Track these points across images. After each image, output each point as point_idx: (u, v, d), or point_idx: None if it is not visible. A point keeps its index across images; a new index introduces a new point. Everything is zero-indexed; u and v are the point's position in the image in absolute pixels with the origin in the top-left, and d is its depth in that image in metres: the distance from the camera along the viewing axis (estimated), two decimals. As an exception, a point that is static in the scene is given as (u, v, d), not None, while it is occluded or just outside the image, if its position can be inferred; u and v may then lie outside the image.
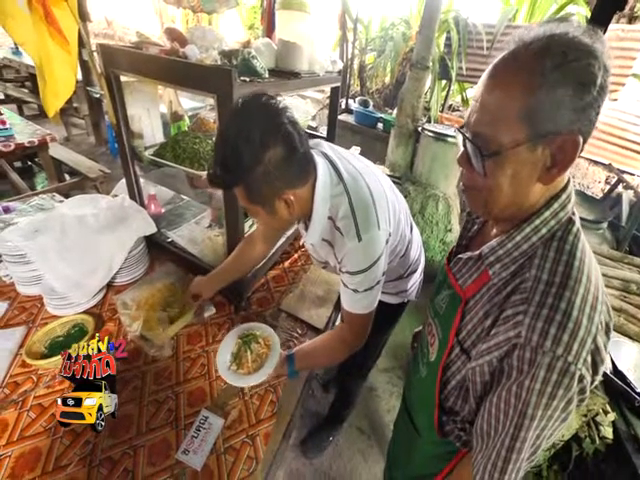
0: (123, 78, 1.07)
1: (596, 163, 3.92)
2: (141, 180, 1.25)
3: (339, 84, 1.73)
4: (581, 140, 0.44)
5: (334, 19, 4.23)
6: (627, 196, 2.67)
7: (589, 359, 0.47)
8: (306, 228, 0.82)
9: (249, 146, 0.62)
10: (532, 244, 0.52)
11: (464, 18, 4.48)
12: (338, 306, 1.35)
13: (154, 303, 1.05)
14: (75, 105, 4.38)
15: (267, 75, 1.05)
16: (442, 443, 0.72)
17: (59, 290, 0.99)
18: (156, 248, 1.30)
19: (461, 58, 4.56)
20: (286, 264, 1.47)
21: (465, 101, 6.19)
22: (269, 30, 1.78)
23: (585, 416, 1.40)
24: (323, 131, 1.95)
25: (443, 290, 0.70)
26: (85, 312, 1.05)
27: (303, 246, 1.59)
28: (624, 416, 1.34)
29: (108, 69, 1.04)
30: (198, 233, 1.34)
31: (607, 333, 0.49)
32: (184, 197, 1.56)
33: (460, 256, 0.65)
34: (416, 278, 1.11)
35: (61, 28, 1.09)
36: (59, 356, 0.87)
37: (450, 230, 2.89)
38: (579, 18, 4.75)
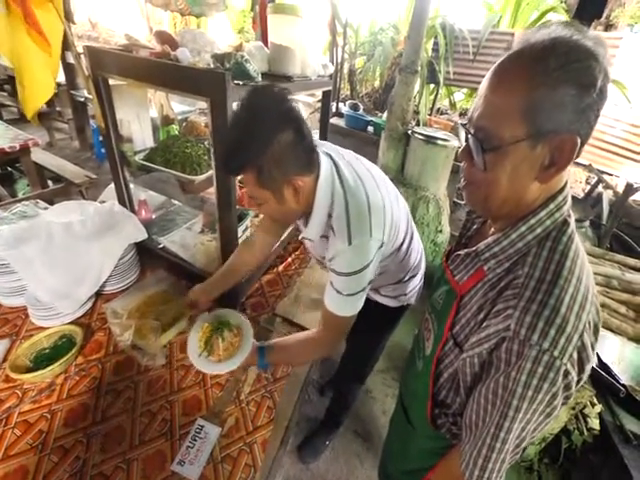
0: (111, 81, 1.04)
1: (577, 164, 4.07)
2: (131, 185, 1.22)
3: (330, 88, 1.74)
4: (579, 141, 0.45)
5: (324, 24, 4.26)
6: (607, 195, 2.77)
7: (575, 355, 0.48)
8: (305, 224, 0.83)
9: (262, 127, 0.64)
10: (527, 242, 0.53)
11: (451, 24, 4.58)
12: None
13: (146, 311, 1.02)
14: (58, 109, 4.27)
15: (260, 79, 1.04)
16: (436, 438, 0.73)
17: (45, 300, 0.96)
18: (147, 255, 1.27)
19: (448, 62, 4.66)
20: (280, 268, 1.46)
21: (453, 105, 6.31)
22: (264, 35, 1.77)
23: (573, 409, 1.45)
24: (315, 135, 1.95)
25: (440, 287, 0.72)
26: (73, 322, 1.02)
27: (297, 249, 1.58)
28: (610, 408, 1.38)
29: (96, 72, 1.01)
30: (190, 238, 1.32)
31: (595, 333, 0.51)
32: (175, 202, 1.53)
33: (458, 253, 0.67)
34: (416, 283, 1.11)
35: (42, 29, 1.06)
36: (45, 369, 0.84)
37: (441, 231, 2.92)
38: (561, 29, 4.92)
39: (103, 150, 3.84)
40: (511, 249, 0.54)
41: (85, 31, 5.54)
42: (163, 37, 1.10)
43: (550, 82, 0.43)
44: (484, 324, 0.55)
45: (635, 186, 2.37)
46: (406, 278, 1.06)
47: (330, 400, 1.65)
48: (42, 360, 0.89)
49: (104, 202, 1.15)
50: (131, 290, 1.08)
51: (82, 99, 3.85)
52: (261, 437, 0.85)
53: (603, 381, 1.40)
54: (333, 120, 3.73)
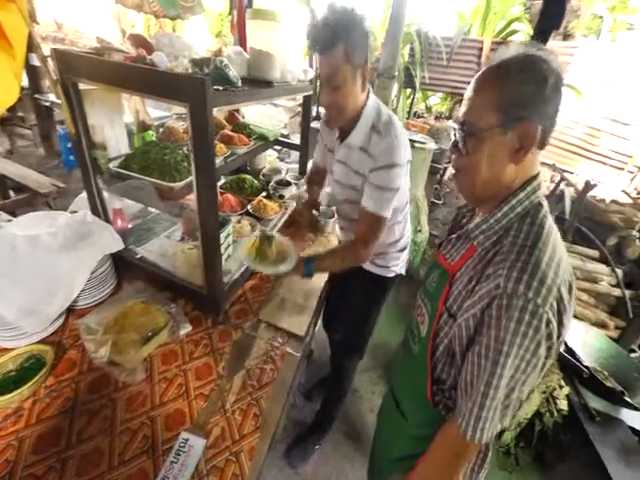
0: (82, 86, 1.00)
1: (542, 163, 4.32)
2: (105, 194, 1.17)
3: (311, 92, 1.74)
4: (539, 128, 0.58)
5: (303, 29, 4.28)
6: (569, 192, 2.94)
7: (555, 305, 0.56)
8: (341, 140, 1.09)
9: (353, 18, 0.90)
10: (509, 219, 0.64)
11: (425, 31, 4.74)
12: (318, 312, 1.38)
13: (124, 324, 0.98)
14: (20, 114, 4.01)
15: (240, 84, 1.03)
16: (426, 425, 0.80)
17: (10, 319, 0.88)
18: (124, 266, 1.21)
19: (424, 68, 4.81)
20: (264, 274, 1.43)
21: (429, 108, 6.50)
22: (242, 40, 1.76)
23: (544, 392, 1.55)
24: (295, 139, 1.95)
25: (433, 273, 0.81)
26: (42, 341, 0.95)
27: None
28: (576, 389, 1.49)
29: (65, 76, 0.96)
30: (170, 247, 1.27)
31: (570, 291, 0.60)
32: (153, 210, 1.47)
33: (450, 237, 0.79)
34: (405, 255, 1.33)
35: (5, 31, 1.00)
36: (12, 394, 0.79)
37: (420, 230, 3.00)
38: (523, 34, 5.22)
39: (72, 157, 3.63)
40: (497, 226, 0.65)
41: (50, 32, 5.25)
42: (138, 41, 1.06)
43: (513, 82, 0.57)
44: (476, 289, 0.63)
45: (592, 183, 2.58)
46: (399, 244, 1.26)
47: (325, 393, 1.70)
48: (8, 384, 0.82)
49: (75, 212, 1.10)
50: (107, 303, 1.04)
51: (48, 103, 3.64)
52: (248, 445, 0.83)
53: (569, 364, 1.52)
54: (314, 124, 3.73)
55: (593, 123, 5.03)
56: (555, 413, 1.57)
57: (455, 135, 0.66)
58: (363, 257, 1.10)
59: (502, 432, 1.73)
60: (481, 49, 4.99)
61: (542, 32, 1.83)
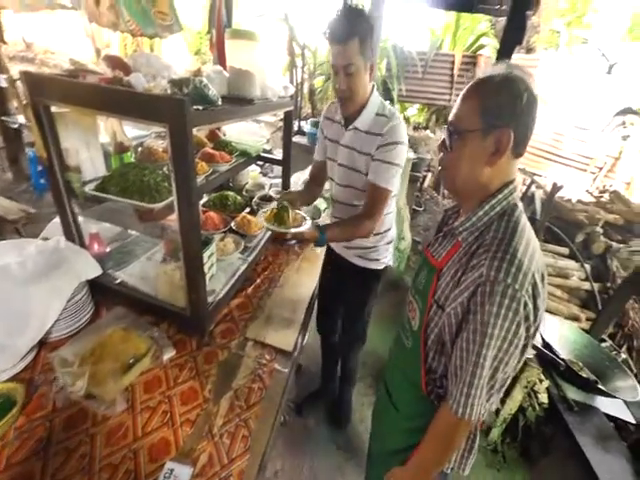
0: (55, 108, 0.97)
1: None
2: (80, 218, 1.12)
3: (292, 108, 1.76)
4: (512, 136, 0.66)
5: (282, 47, 4.38)
6: (539, 194, 3.10)
7: (530, 290, 0.65)
8: (346, 127, 1.23)
9: (364, 14, 1.07)
10: (490, 217, 0.73)
11: (400, 46, 4.94)
12: (306, 325, 1.39)
13: (102, 353, 0.93)
14: (-15, 137, 3.83)
15: (220, 102, 1.03)
16: (418, 416, 0.87)
17: (-24, 356, 0.83)
18: (102, 292, 1.16)
19: (400, 81, 4.98)
20: (249, 290, 1.42)
21: (407, 119, 6.68)
22: (222, 58, 1.77)
23: (526, 387, 1.63)
24: (278, 154, 1.95)
25: (422, 272, 0.89)
26: (12, 379, 0.88)
27: (266, 269, 1.57)
28: (554, 381, 1.55)
29: (36, 99, 0.93)
30: (151, 269, 1.23)
31: (542, 280, 0.68)
32: (133, 233, 1.43)
33: (437, 236, 0.88)
34: (391, 249, 1.46)
35: None
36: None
37: (403, 238, 3.04)
38: (490, 48, 5.52)
39: (42, 180, 3.46)
40: (479, 223, 0.74)
41: (18, 51, 5.06)
42: (114, 62, 1.05)
43: (494, 94, 0.68)
44: (462, 279, 0.71)
45: (559, 185, 2.73)
46: (387, 240, 1.41)
47: (340, 378, 1.86)
48: (-25, 426, 0.76)
49: (47, 239, 1.05)
50: (84, 333, 0.98)
51: (16, 125, 3.48)
52: (237, 469, 0.80)
53: (547, 358, 1.58)
54: (295, 138, 3.77)
55: (557, 129, 5.38)
56: (537, 407, 1.65)
57: (444, 135, 0.77)
58: (369, 229, 1.19)
59: (489, 429, 1.81)
60: (453, 62, 5.23)
61: (507, 46, 2.00)
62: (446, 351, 0.78)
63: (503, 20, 2.18)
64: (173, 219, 0.97)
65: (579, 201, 3.24)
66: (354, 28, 1.03)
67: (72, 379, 0.85)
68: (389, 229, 1.41)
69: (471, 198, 0.77)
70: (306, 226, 1.12)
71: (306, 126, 4.00)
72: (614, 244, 2.58)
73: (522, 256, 0.65)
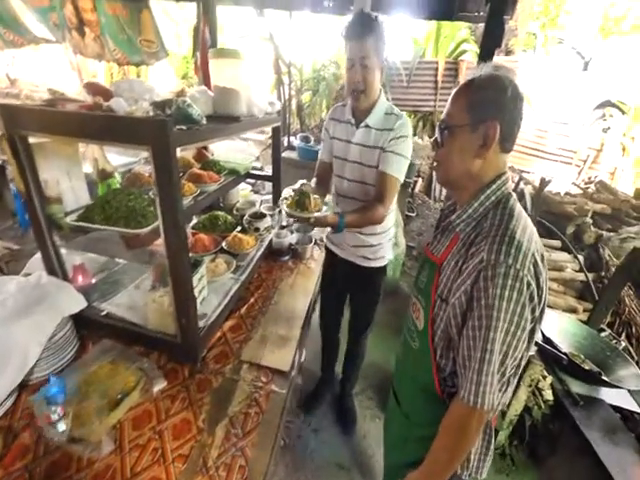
0: (33, 139, 0.94)
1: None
2: (63, 251, 1.08)
3: (279, 124, 1.76)
4: (498, 127, 0.69)
5: (269, 65, 4.47)
6: (527, 190, 3.13)
7: (532, 269, 0.66)
8: (357, 126, 1.32)
9: (379, 20, 1.18)
10: (486, 207, 0.75)
11: (384, 58, 5.05)
12: (303, 341, 1.36)
13: (87, 391, 0.88)
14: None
15: (205, 122, 1.01)
16: (430, 423, 0.82)
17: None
18: (88, 326, 1.11)
19: (386, 90, 5.07)
20: (243, 310, 1.37)
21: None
22: (207, 79, 1.77)
23: (530, 386, 1.61)
24: (268, 170, 1.94)
25: (423, 271, 0.90)
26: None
27: (259, 288, 1.54)
28: (558, 376, 1.51)
29: (11, 131, 0.91)
30: (140, 298, 1.18)
31: (542, 260, 0.69)
32: (120, 261, 1.38)
33: (436, 233, 0.91)
34: (390, 247, 1.55)
35: None
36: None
37: (396, 244, 3.02)
38: (471, 53, 5.68)
39: (27, 216, 3.42)
40: (475, 214, 0.76)
41: (2, 89, 5.06)
42: (94, 88, 1.03)
43: (480, 90, 0.72)
44: (462, 268, 0.73)
45: (547, 179, 2.79)
46: (389, 236, 1.51)
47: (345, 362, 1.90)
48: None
49: (29, 274, 1.00)
50: (67, 371, 0.93)
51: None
52: None
53: (549, 353, 1.55)
54: (285, 154, 3.80)
55: (540, 126, 5.52)
56: (542, 405, 1.63)
57: (437, 132, 0.81)
58: (382, 214, 1.26)
59: (496, 433, 1.75)
60: (437, 69, 5.35)
61: (487, 50, 2.04)
62: (453, 346, 0.77)
63: (482, 26, 2.25)
64: (161, 244, 0.94)
65: (567, 193, 3.31)
66: (370, 28, 1.14)
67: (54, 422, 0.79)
68: (391, 226, 1.51)
69: (465, 190, 0.79)
70: (325, 211, 1.16)
71: (295, 141, 4.03)
72: (604, 233, 2.61)
73: (520, 237, 0.67)
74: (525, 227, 0.70)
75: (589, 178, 4.58)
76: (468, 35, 5.59)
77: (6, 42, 2.49)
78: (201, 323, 1.11)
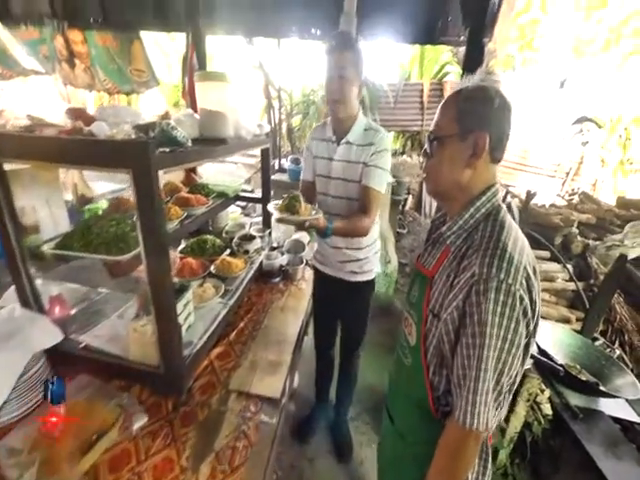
0: (9, 166, 0.91)
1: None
2: (39, 281, 1.03)
3: (268, 145, 1.77)
4: (488, 137, 0.70)
5: (259, 90, 4.61)
6: (515, 203, 3.22)
7: (524, 283, 0.65)
8: (338, 143, 1.35)
9: (355, 38, 1.36)
10: (476, 219, 0.74)
11: (372, 81, 5.27)
12: (294, 366, 1.31)
13: (65, 431, 0.80)
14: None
15: (190, 144, 1.00)
16: (423, 442, 0.81)
17: None
18: (64, 361, 1.03)
19: (374, 111, 5.23)
20: (232, 336, 1.32)
21: (384, 148, 6.91)
22: (194, 104, 1.78)
23: (528, 400, 1.58)
24: (259, 193, 1.93)
25: (414, 284, 0.89)
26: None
27: (249, 312, 1.50)
28: (555, 389, 1.47)
29: (-15, 160, 0.88)
30: (122, 328, 1.12)
31: (535, 273, 0.68)
32: (103, 290, 1.32)
33: (426, 245, 0.90)
34: (377, 260, 1.54)
35: None
36: None
37: (389, 262, 3.02)
38: (454, 74, 5.94)
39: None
40: (466, 225, 0.75)
41: None
42: (76, 113, 1.02)
43: (468, 100, 0.72)
44: (454, 282, 0.71)
45: (533, 192, 2.90)
46: (375, 249, 1.51)
47: (341, 382, 1.83)
48: None
49: (2, 307, 0.94)
50: (38, 412, 0.85)
51: None
52: None
53: (545, 366, 1.52)
54: (276, 176, 3.83)
55: (523, 141, 5.77)
56: (542, 420, 1.59)
57: (426, 144, 0.81)
58: (367, 225, 1.29)
59: (496, 452, 1.72)
60: (422, 90, 5.56)
61: (469, 71, 2.12)
62: (446, 364, 0.75)
63: (463, 49, 2.38)
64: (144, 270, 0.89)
65: (552, 205, 3.41)
66: (349, 44, 1.21)
67: (20, 470, 0.72)
68: (376, 239, 1.52)
69: (455, 201, 0.78)
70: (316, 215, 1.16)
71: (286, 163, 4.07)
72: (591, 242, 2.67)
73: (512, 251, 0.66)
74: (516, 239, 0.69)
75: (572, 190, 4.72)
76: (451, 58, 5.86)
77: (-6, 75, 2.52)
78: (186, 351, 1.06)
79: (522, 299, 0.63)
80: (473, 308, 0.65)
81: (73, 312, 1.17)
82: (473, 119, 0.71)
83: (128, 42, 2.99)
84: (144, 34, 3.04)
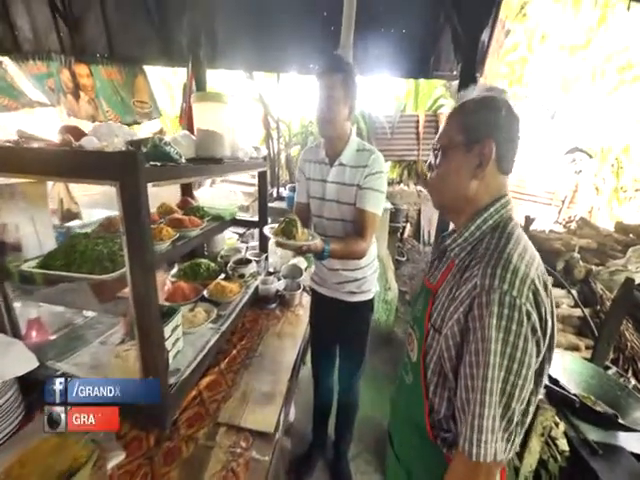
0: (-4, 183, 0.89)
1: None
2: (18, 304, 0.96)
3: (265, 169, 1.77)
4: (494, 146, 0.67)
5: (258, 121, 4.78)
6: None
7: (531, 297, 0.59)
8: (331, 164, 1.33)
9: (346, 60, 1.27)
10: (482, 231, 0.71)
11: (368, 113, 5.51)
12: (290, 397, 1.24)
13: (21, 474, 0.71)
14: None
15: (184, 160, 0.98)
16: (430, 471, 0.76)
17: None
18: (38, 390, 0.92)
19: (371, 142, 5.41)
20: (223, 365, 1.23)
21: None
22: (191, 126, 1.81)
23: (542, 435, 1.43)
24: (257, 218, 1.91)
25: (419, 298, 0.85)
26: None
27: (243, 339, 1.42)
28: (571, 422, 1.37)
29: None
30: (105, 355, 1.04)
31: (545, 288, 0.62)
32: (89, 314, 1.25)
33: (433, 259, 0.87)
34: (375, 279, 1.51)
35: None
36: None
37: (389, 288, 2.95)
38: (448, 106, 6.22)
39: None
40: (471, 237, 0.72)
41: None
42: (69, 130, 1.01)
43: (473, 111, 0.71)
44: (456, 294, 0.67)
45: (532, 217, 2.94)
46: (373, 269, 1.48)
47: (342, 407, 1.71)
48: None
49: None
50: (6, 446, 0.77)
51: None
52: None
53: (558, 396, 1.41)
54: (275, 204, 3.86)
55: (519, 170, 5.95)
56: (558, 457, 1.42)
57: (431, 156, 0.80)
58: (364, 248, 1.26)
59: None
60: (417, 121, 5.79)
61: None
62: (448, 385, 0.71)
63: (456, 83, 2.47)
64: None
65: (552, 231, 3.37)
66: (340, 66, 1.21)
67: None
68: (374, 259, 1.50)
69: (461, 214, 0.75)
70: (313, 240, 1.13)
71: (284, 191, 4.12)
72: (593, 267, 2.61)
73: (518, 262, 0.61)
74: (524, 251, 0.65)
75: (569, 217, 4.76)
76: (444, 91, 6.16)
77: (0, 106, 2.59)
78: (172, 380, 0.98)
79: (529, 314, 0.58)
80: (476, 323, 0.60)
81: (53, 337, 1.09)
82: (479, 129, 0.69)
83: (132, 75, 3.13)
84: (148, 68, 3.19)
